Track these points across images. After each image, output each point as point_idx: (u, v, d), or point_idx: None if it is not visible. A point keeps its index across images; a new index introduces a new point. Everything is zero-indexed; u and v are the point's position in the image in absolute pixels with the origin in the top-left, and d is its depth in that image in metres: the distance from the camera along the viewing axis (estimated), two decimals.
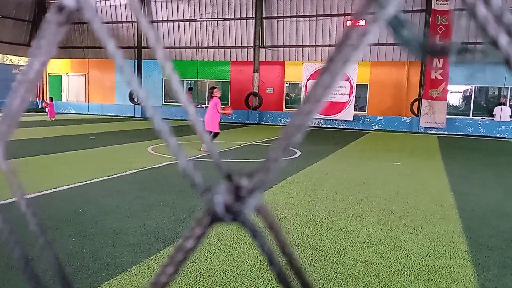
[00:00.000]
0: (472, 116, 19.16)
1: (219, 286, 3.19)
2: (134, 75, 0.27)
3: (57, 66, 26.85)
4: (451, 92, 19.07)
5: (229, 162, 8.72)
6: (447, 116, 18.15)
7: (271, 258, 0.26)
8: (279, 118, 21.27)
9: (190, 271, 3.40)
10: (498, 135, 17.69)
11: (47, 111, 19.79)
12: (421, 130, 18.53)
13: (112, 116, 23.94)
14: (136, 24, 23.36)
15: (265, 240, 0.26)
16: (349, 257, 3.82)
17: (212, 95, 10.14)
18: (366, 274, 3.47)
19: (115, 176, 7.02)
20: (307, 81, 20.27)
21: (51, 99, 19.97)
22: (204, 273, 3.39)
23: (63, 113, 25.67)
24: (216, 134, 10.12)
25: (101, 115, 24.43)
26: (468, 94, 19.69)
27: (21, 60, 29.26)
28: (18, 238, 0.31)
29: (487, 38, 0.21)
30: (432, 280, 3.40)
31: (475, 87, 19.37)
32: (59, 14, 0.27)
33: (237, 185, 0.26)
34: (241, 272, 3.42)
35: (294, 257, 0.27)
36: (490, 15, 0.20)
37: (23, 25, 25.76)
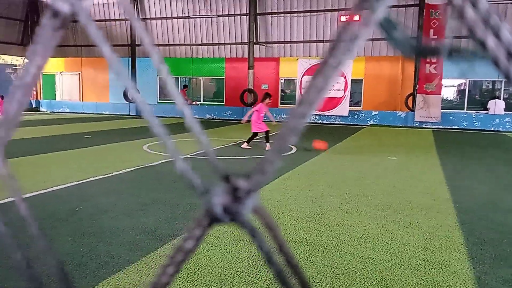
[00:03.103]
0: (467, 110, 19.25)
1: (217, 283, 3.19)
2: (131, 81, 0.28)
3: (50, 65, 26.67)
4: (445, 86, 19.14)
5: (226, 159, 8.72)
6: (442, 110, 18.22)
7: (269, 257, 0.27)
8: (274, 114, 21.11)
9: (188, 269, 3.40)
10: (492, 129, 17.78)
11: None
12: (416, 124, 18.60)
13: (107, 114, 23.85)
14: (129, 21, 23.23)
15: (263, 240, 0.27)
16: (346, 252, 3.84)
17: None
18: (363, 268, 3.49)
19: (111, 174, 7.01)
20: (302, 77, 20.27)
21: (1, 97, 19.62)
22: (202, 270, 3.40)
23: (57, 112, 25.54)
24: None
25: (95, 113, 24.32)
26: (462, 88, 19.78)
27: (14, 59, 29.04)
28: (19, 242, 0.32)
29: (476, 39, 0.21)
30: (428, 273, 3.42)
31: (469, 81, 19.44)
32: (54, 19, 0.27)
33: (234, 186, 0.27)
34: (239, 269, 3.44)
35: (291, 256, 0.28)
36: (478, 18, 0.21)
37: (15, 25, 25.57)
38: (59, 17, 0.27)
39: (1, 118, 0.30)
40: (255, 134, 10.90)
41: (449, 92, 20.08)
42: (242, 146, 10.90)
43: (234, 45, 22.65)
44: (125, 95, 23.08)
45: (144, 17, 23.94)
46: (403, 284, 3.23)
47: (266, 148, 10.78)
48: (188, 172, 0.27)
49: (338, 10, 20.28)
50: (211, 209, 0.27)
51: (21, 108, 0.30)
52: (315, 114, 20.00)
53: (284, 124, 0.26)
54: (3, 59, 27.89)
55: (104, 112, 24.58)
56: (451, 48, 0.22)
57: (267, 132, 10.80)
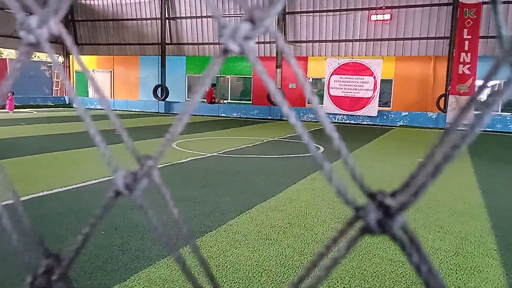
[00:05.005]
0: (501, 112, 18.66)
1: (245, 281, 3.22)
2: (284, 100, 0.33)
3: (83, 62, 27.39)
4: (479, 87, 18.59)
5: (252, 158, 8.76)
6: (475, 112, 17.70)
7: (418, 268, 0.31)
8: (301, 114, 21.18)
9: (216, 265, 3.45)
10: None
11: (7, 103, 19.99)
12: (448, 126, 18.15)
13: (137, 111, 24.31)
14: (160, 20, 23.62)
15: (412, 253, 0.31)
16: (375, 254, 3.81)
17: None
18: (392, 271, 3.45)
19: None
20: (330, 76, 20.11)
21: (12, 93, 20.26)
22: (230, 267, 3.44)
23: (89, 108, 26.22)
24: None
25: (126, 110, 24.84)
26: (496, 89, 19.16)
27: (48, 57, 29.97)
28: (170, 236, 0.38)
29: None
30: (460, 279, 3.36)
31: (504, 81, 18.83)
32: (224, 54, 0.32)
33: (382, 203, 0.32)
34: (267, 267, 3.46)
35: (433, 268, 0.31)
36: None
37: None
38: (228, 53, 0.32)
39: (178, 118, 0.38)
40: None
41: (482, 93, 19.49)
42: None
43: (262, 44, 22.69)
44: (155, 93, 23.48)
45: (174, 16, 24.28)
46: None
47: None
48: (343, 189, 0.31)
49: (368, 9, 20.01)
50: (365, 222, 0.32)
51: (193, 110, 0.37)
52: (343, 114, 19.84)
53: (442, 147, 0.30)
54: (38, 57, 28.80)
55: (134, 109, 25.07)
56: None
57: None
